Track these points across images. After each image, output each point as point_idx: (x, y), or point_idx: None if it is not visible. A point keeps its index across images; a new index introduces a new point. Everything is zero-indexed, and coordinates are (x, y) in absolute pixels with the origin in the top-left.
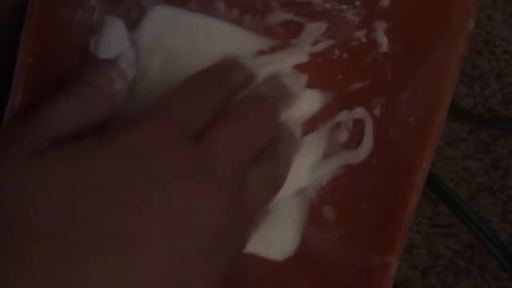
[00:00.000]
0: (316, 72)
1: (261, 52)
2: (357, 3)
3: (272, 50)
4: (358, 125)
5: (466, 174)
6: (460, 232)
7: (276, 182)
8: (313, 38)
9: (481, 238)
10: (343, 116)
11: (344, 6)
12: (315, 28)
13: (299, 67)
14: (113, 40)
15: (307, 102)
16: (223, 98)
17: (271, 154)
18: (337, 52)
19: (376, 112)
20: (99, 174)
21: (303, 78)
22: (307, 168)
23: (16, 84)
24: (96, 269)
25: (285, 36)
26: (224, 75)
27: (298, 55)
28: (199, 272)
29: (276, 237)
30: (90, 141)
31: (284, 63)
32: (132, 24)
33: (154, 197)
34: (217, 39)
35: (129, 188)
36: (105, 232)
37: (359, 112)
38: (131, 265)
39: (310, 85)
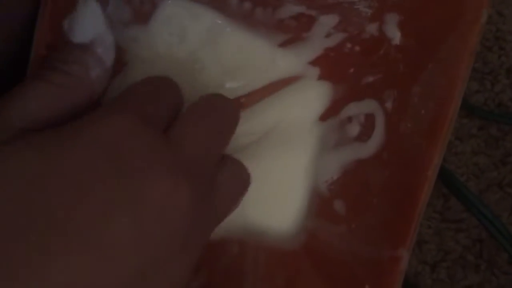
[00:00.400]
0: (329, 65)
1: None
2: None
3: (284, 44)
4: (370, 119)
5: (476, 169)
6: (469, 226)
7: (244, 183)
8: (325, 31)
9: (491, 232)
10: (354, 108)
11: None
12: (327, 21)
13: (312, 61)
14: (87, 22)
15: (317, 96)
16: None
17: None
18: (349, 45)
19: (388, 105)
20: (67, 168)
21: None
22: (299, 168)
23: (31, 73)
24: (61, 271)
25: (297, 30)
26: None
27: (310, 50)
28: (167, 272)
29: (279, 208)
30: (59, 132)
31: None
32: (145, 18)
33: (125, 194)
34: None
35: (99, 184)
36: (72, 231)
37: (371, 105)
38: (99, 266)
39: (322, 78)
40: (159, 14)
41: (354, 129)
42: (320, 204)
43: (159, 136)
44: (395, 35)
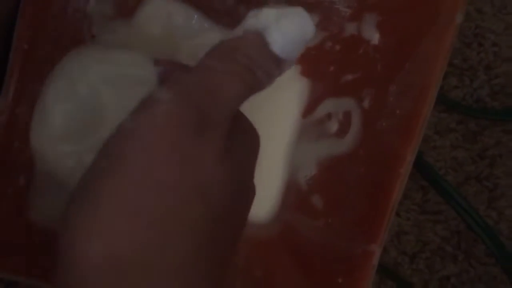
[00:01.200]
0: (309, 63)
1: None
2: None
3: None
4: (348, 116)
5: (454, 163)
6: (448, 218)
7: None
8: None
9: (469, 224)
10: (333, 105)
11: None
12: None
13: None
14: (297, 38)
15: (298, 92)
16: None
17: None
18: (329, 43)
19: (365, 103)
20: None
21: None
22: (278, 160)
23: (11, 69)
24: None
25: None
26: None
27: None
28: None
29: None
30: None
31: None
32: (129, 12)
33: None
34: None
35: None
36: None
37: (349, 102)
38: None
39: (303, 75)
40: (143, 9)
41: (333, 126)
42: (298, 198)
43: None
44: (374, 35)
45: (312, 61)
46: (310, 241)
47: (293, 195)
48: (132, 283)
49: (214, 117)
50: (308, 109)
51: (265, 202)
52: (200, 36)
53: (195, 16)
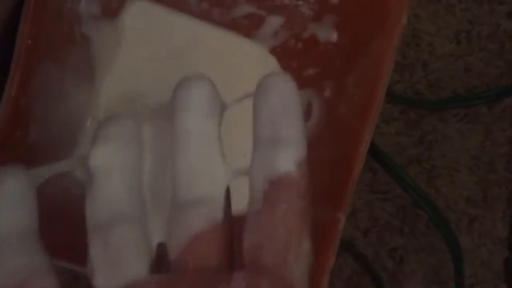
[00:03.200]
0: (276, 59)
1: None
2: None
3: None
4: (311, 104)
5: (399, 148)
6: (394, 196)
7: None
8: (273, 29)
9: (414, 198)
10: None
11: (300, 2)
12: (274, 21)
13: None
14: None
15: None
16: None
17: None
18: (293, 41)
19: (327, 93)
20: None
21: None
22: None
23: (16, 62)
24: None
25: (248, 28)
26: None
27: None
28: None
29: None
30: None
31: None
32: (112, 15)
33: None
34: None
35: None
36: None
37: (311, 92)
38: None
39: None
40: (126, 12)
41: None
42: None
43: None
44: (333, 34)
45: (278, 59)
46: None
47: None
48: None
49: None
50: None
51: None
52: (182, 38)
53: (177, 19)
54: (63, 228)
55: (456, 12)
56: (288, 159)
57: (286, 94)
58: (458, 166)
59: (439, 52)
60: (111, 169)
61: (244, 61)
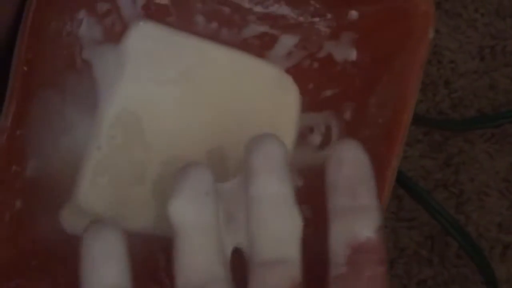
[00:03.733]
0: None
1: None
2: (329, 16)
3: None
4: (330, 128)
5: (423, 171)
6: (421, 224)
7: None
8: (286, 49)
9: (443, 225)
10: (315, 119)
11: (316, 19)
12: (288, 40)
13: None
14: None
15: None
16: None
17: None
18: (308, 62)
19: (347, 116)
20: None
21: None
22: None
23: (12, 90)
24: None
25: (260, 48)
26: None
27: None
28: None
29: None
30: None
31: None
32: (116, 38)
33: None
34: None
35: None
36: None
37: (329, 115)
38: None
39: None
40: (130, 35)
41: (316, 139)
42: None
43: None
44: (351, 52)
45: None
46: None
47: None
48: None
49: None
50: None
51: None
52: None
53: (185, 41)
54: None
55: (478, 27)
56: (369, 225)
57: (361, 164)
58: (488, 189)
59: (462, 69)
60: (198, 227)
61: (258, 81)
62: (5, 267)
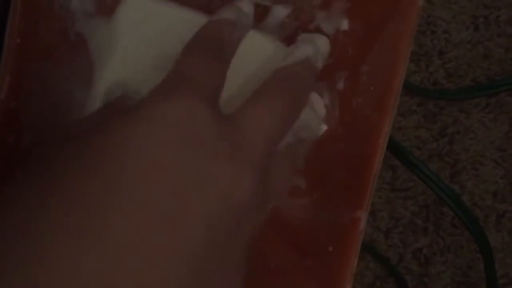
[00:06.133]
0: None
1: None
2: None
3: None
4: (324, 98)
5: (418, 142)
6: (416, 194)
7: (297, 166)
8: (279, 20)
9: (437, 194)
10: None
11: None
12: (280, 11)
13: None
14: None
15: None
16: (231, 58)
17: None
18: (301, 32)
19: (340, 85)
20: (143, 145)
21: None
22: None
23: (5, 63)
24: (145, 238)
25: (253, 20)
26: (221, 35)
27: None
28: (226, 252)
29: None
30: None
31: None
32: (108, 11)
33: (195, 175)
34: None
35: (172, 162)
36: (152, 206)
37: (323, 86)
38: (174, 236)
39: None
40: (122, 7)
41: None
42: None
43: (220, 118)
44: (343, 22)
45: None
46: (297, 217)
47: None
48: None
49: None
50: None
51: None
52: (183, 33)
53: (177, 13)
54: None
55: None
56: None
57: None
58: (483, 159)
59: (456, 39)
60: None
61: (253, 51)
62: None
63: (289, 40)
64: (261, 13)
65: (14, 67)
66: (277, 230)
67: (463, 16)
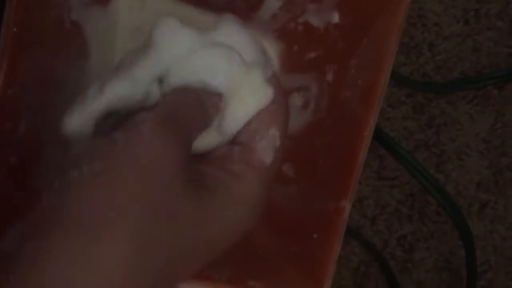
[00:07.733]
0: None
1: None
2: None
3: None
4: (313, 89)
5: (406, 132)
6: (402, 183)
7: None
8: (271, 11)
9: (423, 184)
10: (299, 80)
11: None
12: (273, 3)
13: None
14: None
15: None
16: None
17: None
18: (293, 24)
19: (329, 77)
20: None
21: None
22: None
23: (2, 50)
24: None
25: (246, 11)
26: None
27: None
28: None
29: None
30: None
31: None
32: (103, 1)
33: None
34: (183, 15)
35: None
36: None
37: (313, 77)
38: None
39: None
40: None
41: (299, 99)
42: None
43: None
44: (334, 15)
45: (277, 41)
46: (283, 206)
47: None
48: None
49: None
50: None
51: None
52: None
53: (172, 4)
54: None
55: None
56: None
57: None
58: (468, 150)
59: (446, 32)
60: None
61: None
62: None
63: (282, 31)
64: (254, 3)
65: (11, 55)
66: (265, 217)
67: (454, 10)
